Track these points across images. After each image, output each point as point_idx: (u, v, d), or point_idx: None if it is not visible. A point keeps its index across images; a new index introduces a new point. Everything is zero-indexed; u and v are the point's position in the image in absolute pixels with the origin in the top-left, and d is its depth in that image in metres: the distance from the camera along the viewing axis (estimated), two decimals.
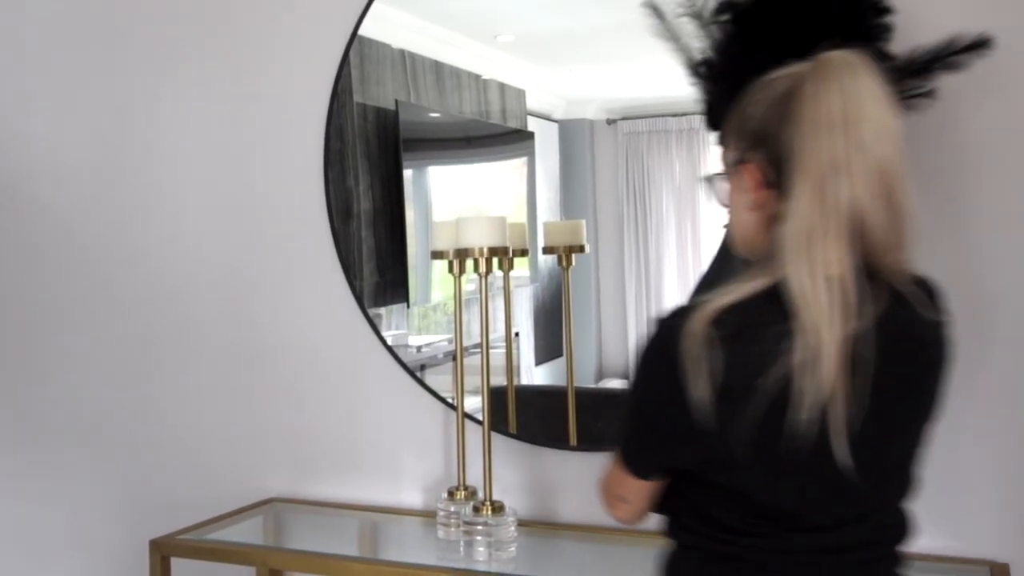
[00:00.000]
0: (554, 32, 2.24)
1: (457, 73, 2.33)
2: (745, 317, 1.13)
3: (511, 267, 2.15)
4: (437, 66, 2.33)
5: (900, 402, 1.19)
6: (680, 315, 1.15)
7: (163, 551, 2.14)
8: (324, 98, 2.38)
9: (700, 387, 1.11)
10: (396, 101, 2.35)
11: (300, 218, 2.44)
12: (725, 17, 1.62)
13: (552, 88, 2.28)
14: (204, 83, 2.55)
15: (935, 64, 1.64)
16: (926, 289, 1.24)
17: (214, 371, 2.58)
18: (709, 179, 1.36)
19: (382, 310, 2.41)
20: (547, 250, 2.18)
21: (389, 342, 2.36)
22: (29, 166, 2.77)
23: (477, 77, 2.31)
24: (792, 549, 1.20)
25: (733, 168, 1.26)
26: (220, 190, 2.55)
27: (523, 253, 2.21)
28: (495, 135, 2.32)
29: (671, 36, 1.63)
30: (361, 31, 2.34)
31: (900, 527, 1.28)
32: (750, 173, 1.22)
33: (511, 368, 2.21)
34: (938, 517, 1.90)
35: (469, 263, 2.05)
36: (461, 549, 2.03)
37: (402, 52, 2.35)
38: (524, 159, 2.33)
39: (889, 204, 1.14)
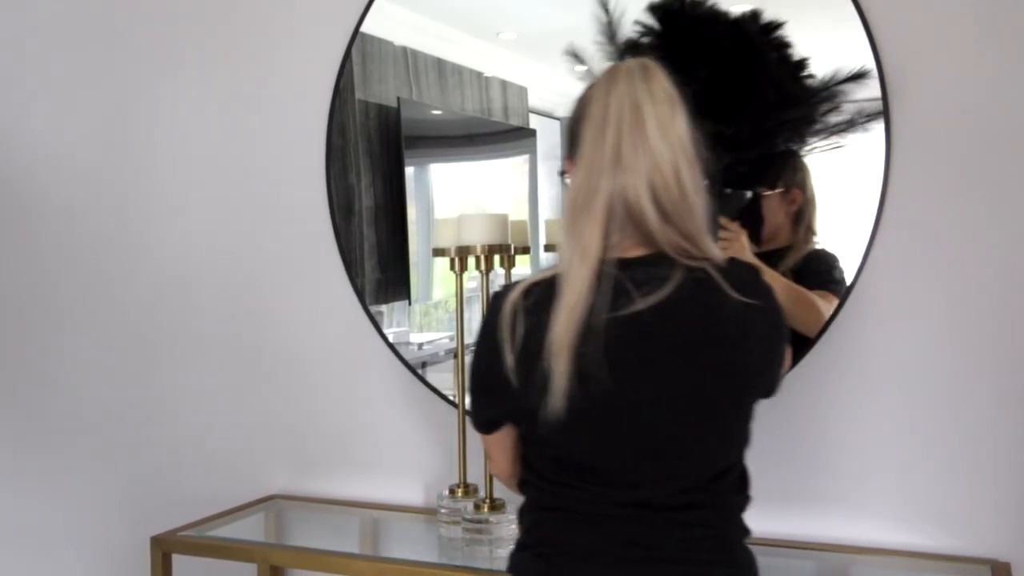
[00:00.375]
0: (556, 30, 2.24)
1: (459, 70, 2.33)
2: (545, 291, 1.28)
3: (513, 264, 2.15)
4: (439, 63, 2.33)
5: (695, 373, 1.28)
6: (504, 290, 1.34)
7: (164, 548, 2.15)
8: (326, 95, 2.38)
9: (508, 349, 1.28)
10: (398, 98, 2.35)
11: (302, 215, 2.44)
12: (630, 52, 1.79)
13: (554, 86, 2.27)
14: (206, 80, 2.55)
15: (824, 93, 1.76)
16: (741, 274, 1.30)
17: (215, 368, 2.58)
18: (561, 175, 1.48)
19: (383, 307, 2.41)
20: (549, 247, 2.18)
21: (390, 339, 2.36)
22: (32, 164, 2.77)
23: (479, 74, 2.31)
24: (601, 501, 1.32)
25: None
26: (222, 187, 2.55)
27: (525, 251, 2.20)
28: (497, 132, 2.32)
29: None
30: (363, 28, 2.34)
31: (721, 493, 1.36)
32: (568, 169, 1.37)
33: None
34: (940, 516, 1.90)
35: (471, 260, 2.05)
36: (462, 547, 2.03)
37: (404, 49, 2.35)
38: (526, 156, 2.33)
39: (673, 197, 1.26)
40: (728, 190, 1.82)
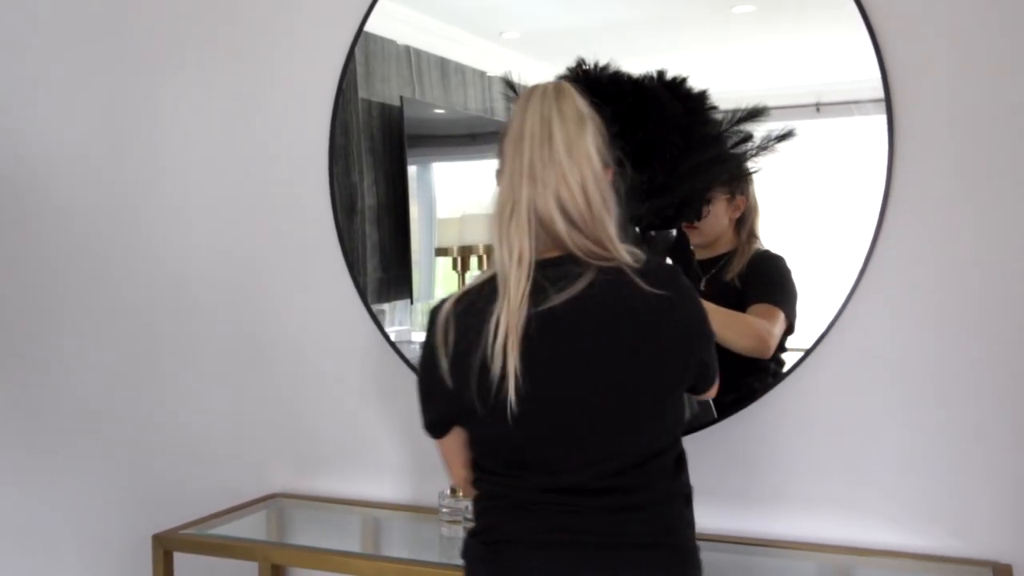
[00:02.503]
0: (559, 29, 2.24)
1: (462, 70, 2.33)
2: (475, 296, 1.41)
3: None
4: (442, 63, 2.33)
5: (611, 361, 1.37)
6: (439, 304, 1.46)
7: (166, 546, 2.15)
8: (329, 94, 2.38)
9: (443, 354, 1.41)
10: (401, 97, 2.35)
11: (304, 213, 2.44)
12: None
13: None
14: (210, 78, 2.55)
15: (730, 130, 1.90)
16: (656, 270, 1.40)
17: (217, 366, 2.58)
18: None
19: (385, 306, 2.41)
20: None
21: (392, 338, 2.36)
22: (34, 164, 2.77)
23: (482, 74, 2.31)
24: (532, 488, 1.41)
25: None
26: (225, 185, 2.55)
27: None
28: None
29: None
30: (367, 27, 2.34)
31: (648, 478, 1.42)
32: (498, 180, 1.50)
33: None
34: (941, 517, 1.90)
35: (472, 259, 2.05)
36: (462, 545, 2.03)
37: (407, 48, 2.35)
38: None
39: (580, 207, 1.38)
40: (652, 232, 1.94)
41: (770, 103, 1.90)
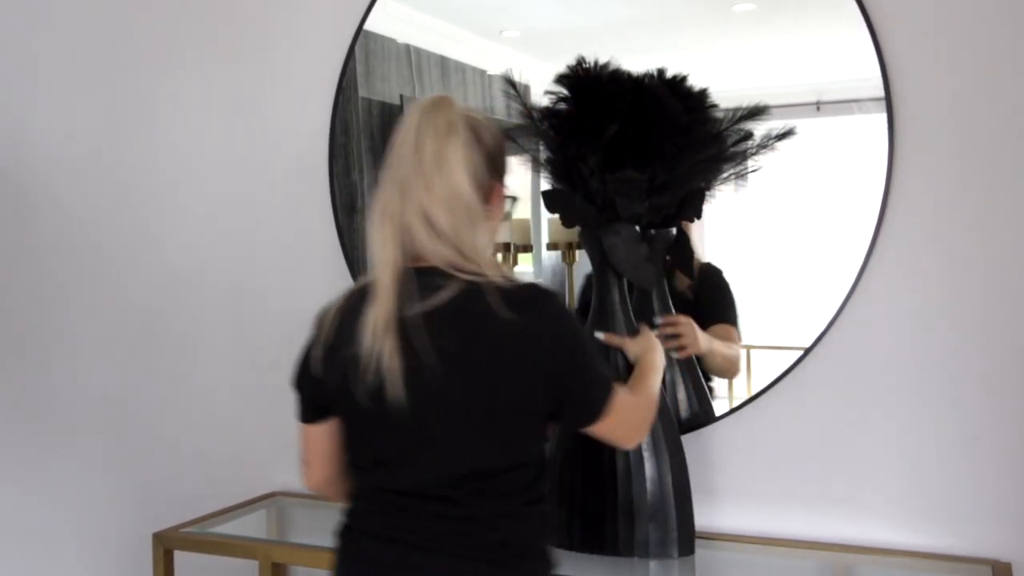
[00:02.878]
0: (559, 28, 2.24)
1: (462, 68, 2.33)
2: (355, 298, 1.45)
3: (515, 263, 2.15)
4: (442, 61, 2.33)
5: (453, 377, 1.39)
6: (329, 303, 1.51)
7: (166, 544, 2.15)
8: (329, 92, 2.38)
9: (319, 344, 1.47)
10: (401, 96, 2.35)
11: (305, 212, 2.44)
12: (548, 122, 1.94)
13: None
14: (210, 78, 2.55)
15: (730, 128, 1.89)
16: (516, 292, 1.40)
17: (217, 365, 2.58)
18: None
19: None
20: (551, 246, 2.18)
21: None
22: (35, 163, 2.77)
23: (482, 72, 2.31)
24: (380, 487, 1.46)
25: None
26: (224, 184, 2.55)
27: (527, 249, 2.21)
28: (511, 129, 2.31)
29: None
30: (367, 26, 2.34)
31: (480, 494, 1.42)
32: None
33: None
34: (941, 516, 1.91)
35: None
36: None
37: (407, 47, 2.35)
38: (529, 155, 2.32)
39: (444, 218, 1.40)
40: (652, 231, 1.93)
41: (771, 102, 1.90)
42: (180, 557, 2.18)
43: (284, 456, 2.51)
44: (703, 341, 2.07)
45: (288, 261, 2.48)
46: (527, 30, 2.28)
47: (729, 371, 2.10)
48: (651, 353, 1.79)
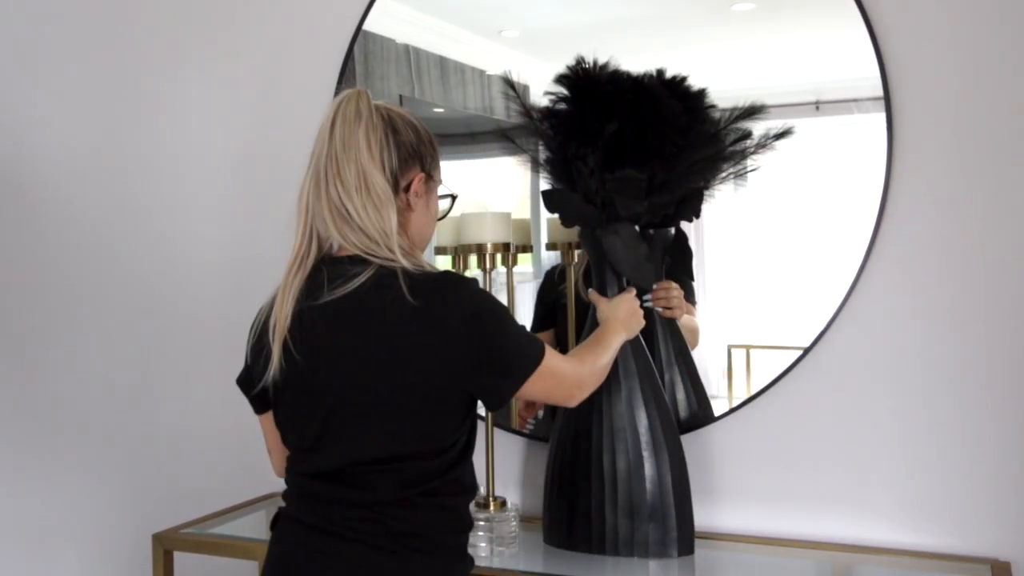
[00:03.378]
0: (559, 27, 2.24)
1: (461, 68, 2.33)
2: (279, 288, 1.50)
3: (514, 263, 2.15)
4: (441, 61, 2.33)
5: (358, 363, 1.42)
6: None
7: (165, 545, 2.15)
8: (328, 92, 2.38)
9: (250, 334, 1.55)
10: (400, 96, 2.35)
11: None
12: (548, 122, 1.95)
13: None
14: (209, 78, 2.55)
15: (730, 126, 1.89)
16: (425, 279, 1.42)
17: (217, 364, 2.58)
18: None
19: None
20: (550, 246, 2.18)
21: None
22: (36, 161, 2.77)
23: (481, 72, 2.31)
24: (297, 469, 1.51)
25: None
26: (224, 185, 2.55)
27: (526, 249, 2.21)
28: (509, 129, 2.31)
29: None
30: (366, 26, 2.34)
31: (381, 482, 1.43)
32: None
33: None
34: (940, 515, 1.91)
35: (471, 258, 2.05)
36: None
37: (406, 47, 2.35)
38: (528, 155, 2.32)
39: (353, 205, 1.43)
40: (651, 231, 1.94)
41: (770, 101, 1.90)
42: (180, 558, 2.18)
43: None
44: (684, 309, 2.10)
45: (287, 261, 2.48)
46: (526, 30, 2.28)
47: (692, 342, 2.11)
48: (612, 321, 1.80)
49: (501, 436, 2.19)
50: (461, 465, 1.49)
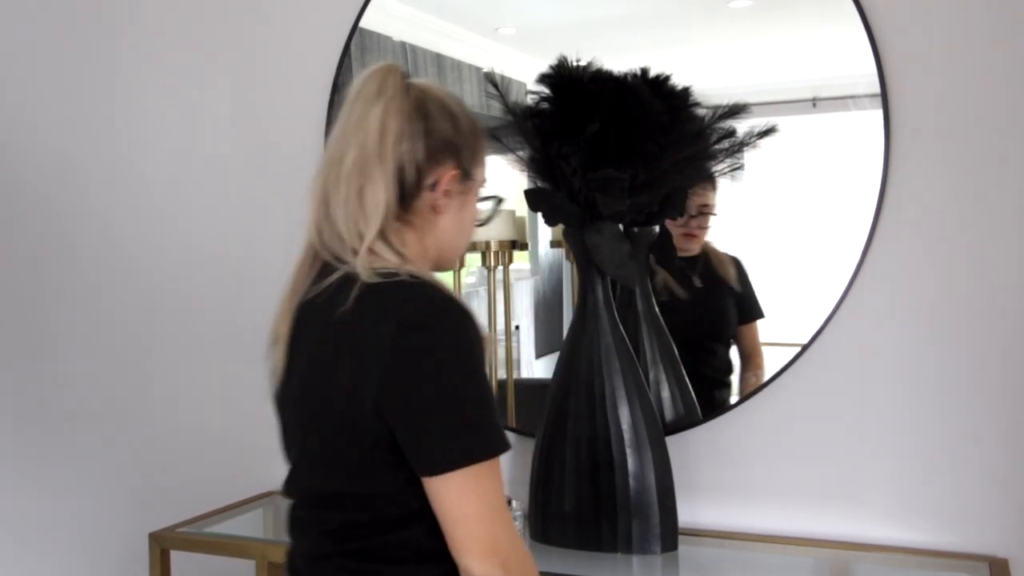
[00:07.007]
0: (556, 25, 2.24)
1: (458, 66, 2.32)
2: None
3: (511, 260, 2.15)
4: (438, 58, 2.33)
5: (310, 377, 1.26)
6: None
7: (162, 544, 2.14)
8: (325, 90, 2.37)
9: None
10: None
11: (301, 210, 2.43)
12: (531, 121, 1.92)
13: None
14: (204, 74, 2.54)
15: (715, 124, 1.88)
16: (382, 290, 1.18)
17: (213, 363, 2.58)
18: None
19: None
20: (555, 244, 2.17)
21: None
22: (26, 158, 2.75)
23: (478, 70, 2.30)
24: (287, 483, 1.36)
25: None
26: (221, 182, 2.54)
27: (523, 246, 2.21)
28: (496, 128, 2.31)
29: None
30: (362, 23, 2.33)
31: (332, 519, 1.23)
32: None
33: (511, 361, 2.21)
34: (938, 512, 1.91)
35: (469, 256, 2.05)
36: None
37: (403, 44, 2.34)
38: (513, 154, 2.33)
39: (341, 193, 1.24)
40: (635, 229, 1.94)
41: (767, 98, 1.90)
42: (177, 557, 2.18)
43: (280, 455, 2.50)
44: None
45: (284, 260, 2.46)
46: (523, 27, 2.27)
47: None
48: None
49: None
50: (417, 522, 1.18)
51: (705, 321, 2.15)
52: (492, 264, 2.02)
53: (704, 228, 2.07)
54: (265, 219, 2.49)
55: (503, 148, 2.02)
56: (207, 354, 2.58)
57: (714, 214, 2.06)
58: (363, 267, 1.19)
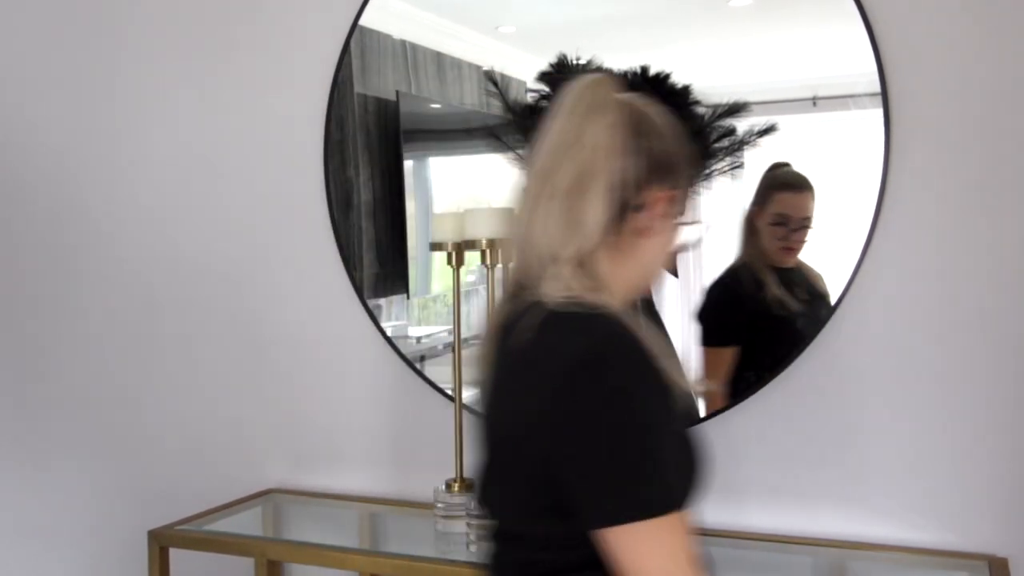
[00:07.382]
0: (556, 23, 2.23)
1: (458, 64, 2.32)
2: None
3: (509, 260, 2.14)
4: (438, 57, 2.33)
5: (493, 412, 1.20)
6: None
7: (162, 542, 2.14)
8: (325, 88, 2.37)
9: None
10: (397, 92, 2.35)
11: (300, 209, 2.44)
12: (530, 120, 1.93)
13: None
14: (204, 74, 2.54)
15: (715, 122, 1.88)
16: (553, 320, 1.10)
17: (213, 361, 2.58)
18: None
19: (382, 301, 2.40)
20: None
21: (388, 333, 2.35)
22: (25, 158, 2.76)
23: (478, 68, 2.30)
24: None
25: None
26: (219, 181, 2.54)
27: None
28: (496, 126, 2.31)
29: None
30: (362, 21, 2.33)
31: (512, 558, 1.18)
32: None
33: None
34: (937, 511, 1.91)
35: (468, 254, 2.05)
36: (460, 541, 2.03)
37: (403, 43, 2.34)
38: (514, 152, 2.33)
39: (549, 215, 1.14)
40: None
41: (767, 97, 1.90)
42: (176, 554, 2.18)
43: (280, 453, 2.51)
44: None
45: (284, 258, 2.48)
46: (523, 25, 2.27)
47: None
48: None
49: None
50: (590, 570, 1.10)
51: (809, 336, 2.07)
52: (491, 262, 2.02)
53: (803, 242, 1.99)
54: (267, 219, 2.49)
55: (503, 147, 2.01)
56: (207, 353, 2.58)
57: (812, 227, 1.99)
58: (552, 291, 1.12)
